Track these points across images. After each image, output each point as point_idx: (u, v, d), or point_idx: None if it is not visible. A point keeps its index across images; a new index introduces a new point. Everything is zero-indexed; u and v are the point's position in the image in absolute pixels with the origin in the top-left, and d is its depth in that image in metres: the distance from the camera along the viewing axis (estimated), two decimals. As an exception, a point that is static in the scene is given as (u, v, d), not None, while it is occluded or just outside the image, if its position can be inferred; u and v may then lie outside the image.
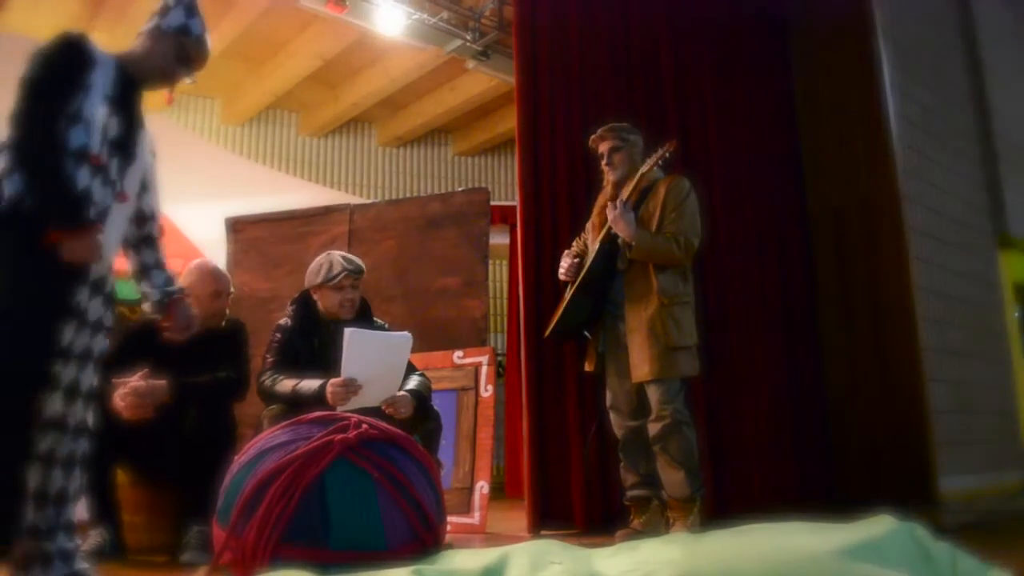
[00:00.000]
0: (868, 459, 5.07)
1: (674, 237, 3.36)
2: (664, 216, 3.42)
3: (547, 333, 3.68)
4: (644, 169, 3.43)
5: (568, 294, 3.53)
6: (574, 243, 3.77)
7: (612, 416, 3.56)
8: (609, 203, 3.44)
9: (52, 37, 2.18)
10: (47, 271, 2.03)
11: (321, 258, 3.33)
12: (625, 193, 3.45)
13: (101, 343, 2.28)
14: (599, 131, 3.64)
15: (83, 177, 2.14)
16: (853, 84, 5.50)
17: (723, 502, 4.29)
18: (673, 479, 3.30)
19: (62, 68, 2.17)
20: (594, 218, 3.68)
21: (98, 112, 2.20)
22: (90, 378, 2.24)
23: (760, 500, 4.51)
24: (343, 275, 3.23)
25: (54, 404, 2.14)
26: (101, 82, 2.22)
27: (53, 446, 2.16)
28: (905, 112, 5.43)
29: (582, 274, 3.47)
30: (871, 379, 5.15)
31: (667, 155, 3.40)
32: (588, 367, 3.62)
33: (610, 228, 3.44)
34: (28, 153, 2.04)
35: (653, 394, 3.32)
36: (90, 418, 2.27)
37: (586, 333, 3.60)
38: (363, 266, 3.34)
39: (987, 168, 6.38)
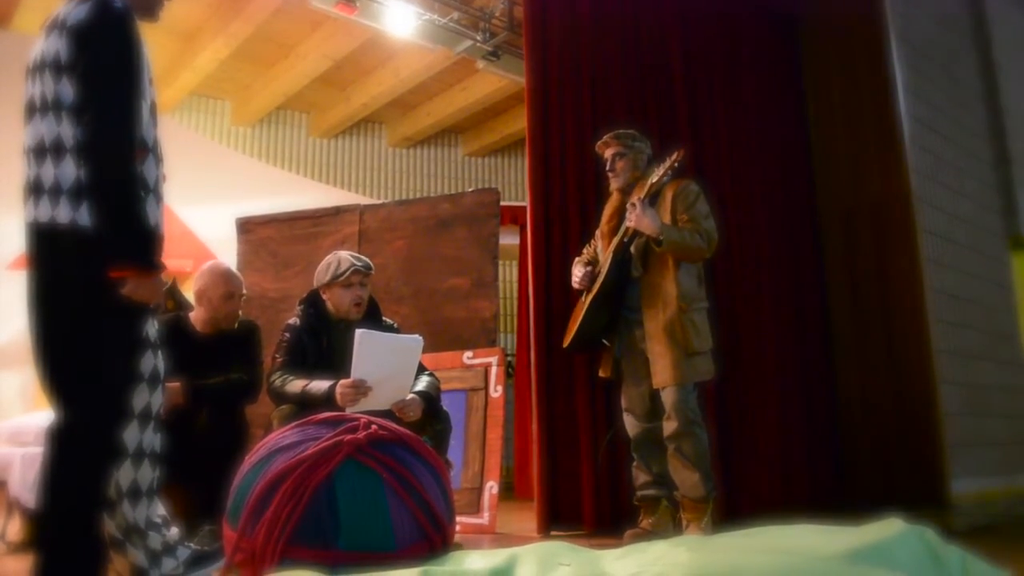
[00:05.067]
0: (879, 461, 5.05)
1: (696, 232, 3.36)
2: (675, 220, 3.41)
3: (566, 344, 3.67)
4: (653, 180, 3.40)
5: (585, 302, 3.53)
6: (584, 250, 3.76)
7: (627, 418, 3.57)
8: (629, 205, 3.41)
9: (103, 16, 2.01)
10: (127, 303, 1.99)
11: (329, 257, 3.34)
12: (640, 192, 3.43)
13: (164, 363, 2.26)
14: (605, 137, 3.64)
15: (150, 170, 2.10)
16: (864, 85, 5.47)
17: (734, 504, 4.28)
18: (687, 480, 3.31)
19: (137, 61, 2.04)
20: (603, 225, 3.66)
21: (152, 94, 2.15)
22: (159, 401, 2.23)
23: (771, 502, 4.49)
24: (351, 272, 3.24)
25: (130, 430, 2.13)
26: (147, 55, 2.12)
27: (127, 477, 2.15)
28: (917, 113, 5.41)
29: (597, 286, 3.46)
30: (882, 381, 5.13)
31: (676, 164, 3.37)
32: (603, 373, 3.62)
33: (623, 238, 3.43)
34: (107, 186, 1.96)
35: (668, 396, 3.33)
36: (159, 443, 2.25)
37: (604, 341, 3.60)
38: (371, 264, 3.35)
39: (999, 169, 6.35)
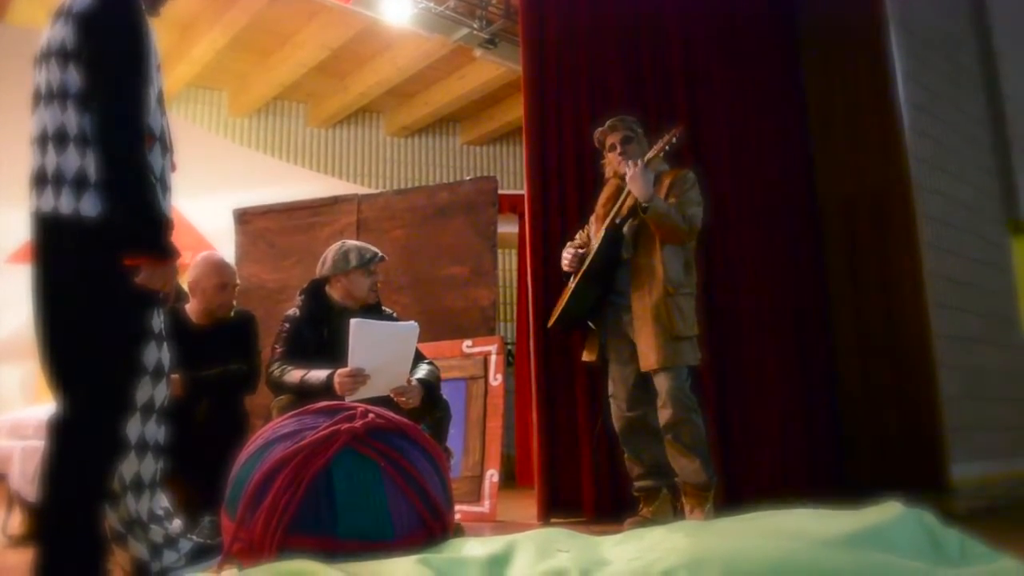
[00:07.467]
0: (879, 446, 5.05)
1: (680, 213, 3.37)
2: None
3: (551, 322, 3.68)
4: (651, 155, 3.42)
5: (572, 283, 3.53)
6: (577, 235, 3.75)
7: (611, 405, 3.57)
8: (630, 163, 3.41)
9: (109, 2, 1.98)
10: (132, 294, 1.98)
11: (342, 246, 3.36)
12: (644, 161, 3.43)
13: (167, 355, 2.25)
14: (608, 122, 3.64)
15: (156, 159, 2.08)
16: (863, 71, 5.45)
17: (734, 490, 4.28)
18: (688, 467, 3.30)
19: (144, 48, 2.01)
20: (598, 209, 3.66)
21: (159, 82, 2.13)
22: (163, 393, 2.22)
23: (771, 488, 4.50)
24: (378, 259, 3.32)
25: (133, 423, 2.12)
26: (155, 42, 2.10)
27: (131, 469, 2.14)
28: (916, 99, 5.38)
29: (587, 261, 3.47)
30: (882, 366, 5.12)
31: (674, 140, 3.39)
32: (587, 357, 3.62)
33: (616, 215, 3.43)
34: (117, 173, 1.94)
35: (662, 383, 3.32)
36: (162, 436, 2.24)
37: (590, 324, 3.60)
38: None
39: (999, 155, 6.32)
